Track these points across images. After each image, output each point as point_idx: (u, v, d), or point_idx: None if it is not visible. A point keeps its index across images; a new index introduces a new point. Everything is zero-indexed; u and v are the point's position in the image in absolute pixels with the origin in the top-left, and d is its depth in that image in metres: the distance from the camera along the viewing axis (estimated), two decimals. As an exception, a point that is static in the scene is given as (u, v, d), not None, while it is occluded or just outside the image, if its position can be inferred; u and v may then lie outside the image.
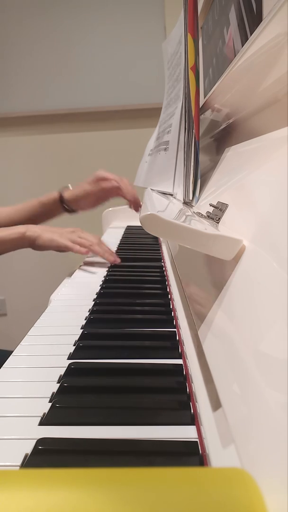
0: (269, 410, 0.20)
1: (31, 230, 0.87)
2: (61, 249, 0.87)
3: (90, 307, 0.60)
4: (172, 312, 0.56)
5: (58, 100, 2.14)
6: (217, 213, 0.42)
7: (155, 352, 0.45)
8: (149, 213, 0.34)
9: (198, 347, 0.41)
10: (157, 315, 0.57)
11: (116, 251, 0.99)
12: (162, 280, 0.73)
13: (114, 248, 1.01)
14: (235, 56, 0.46)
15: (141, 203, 0.89)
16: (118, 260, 0.86)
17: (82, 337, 0.49)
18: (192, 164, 0.60)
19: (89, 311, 0.58)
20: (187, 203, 0.62)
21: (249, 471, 0.18)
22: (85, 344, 0.47)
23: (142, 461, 0.28)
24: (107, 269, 0.84)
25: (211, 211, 0.44)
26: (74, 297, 0.67)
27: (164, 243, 1.07)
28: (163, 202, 0.64)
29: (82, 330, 0.51)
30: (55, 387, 0.37)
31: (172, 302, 0.61)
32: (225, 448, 0.26)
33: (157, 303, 0.61)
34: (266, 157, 0.39)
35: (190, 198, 0.61)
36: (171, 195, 0.77)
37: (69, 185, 1.13)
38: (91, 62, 2.12)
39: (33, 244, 0.87)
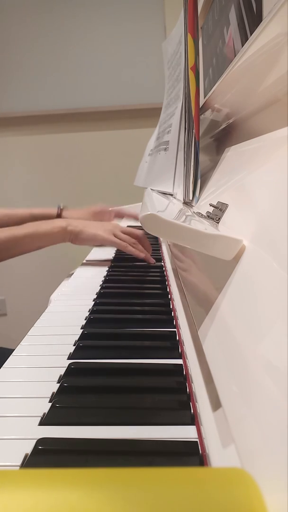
0: (269, 410, 0.20)
1: (72, 224, 0.87)
2: (105, 244, 0.87)
3: (90, 307, 0.60)
4: (172, 312, 0.56)
5: (57, 100, 2.14)
6: (217, 213, 0.42)
7: (155, 352, 0.45)
8: (149, 213, 0.34)
9: (198, 347, 0.41)
10: (157, 315, 0.57)
11: (116, 251, 0.99)
12: (162, 280, 0.73)
13: (113, 249, 1.01)
14: (235, 56, 0.46)
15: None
16: (152, 261, 0.87)
17: (82, 337, 0.49)
18: (192, 164, 0.60)
19: (89, 311, 0.58)
20: (187, 203, 0.62)
21: (249, 471, 0.18)
22: (85, 344, 0.47)
23: (142, 461, 0.28)
24: (107, 269, 0.84)
25: (211, 211, 0.44)
26: (74, 297, 0.67)
27: (164, 243, 1.07)
28: (163, 202, 0.64)
29: (82, 330, 0.51)
30: (55, 387, 0.37)
31: (172, 302, 0.61)
32: (225, 448, 0.26)
33: (157, 303, 0.61)
34: (266, 157, 0.39)
35: (190, 198, 0.61)
36: (171, 195, 0.77)
37: (67, 205, 1.12)
38: (91, 62, 2.12)
39: (75, 238, 0.87)
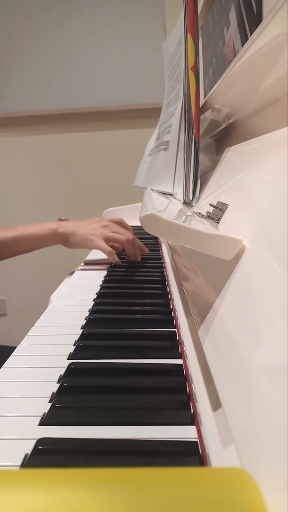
0: (269, 410, 0.20)
1: (63, 226, 0.86)
2: (95, 249, 0.87)
3: (90, 307, 0.60)
4: (172, 312, 0.56)
5: (58, 100, 2.14)
6: (217, 213, 0.42)
7: (155, 352, 0.45)
8: (149, 213, 0.34)
9: (198, 347, 0.41)
10: (157, 315, 0.57)
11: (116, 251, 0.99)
12: (162, 280, 0.73)
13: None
14: (235, 56, 0.46)
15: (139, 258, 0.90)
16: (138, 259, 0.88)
17: (82, 337, 0.49)
18: (192, 164, 0.60)
19: (89, 311, 0.58)
20: (187, 203, 0.62)
21: (249, 471, 0.18)
22: (85, 344, 0.47)
23: (142, 461, 0.28)
24: (107, 269, 0.84)
25: (211, 211, 0.44)
26: (74, 297, 0.67)
27: (164, 243, 1.07)
28: (163, 202, 0.64)
29: (82, 330, 0.51)
30: (55, 387, 0.37)
31: (172, 302, 0.61)
32: (225, 448, 0.26)
33: (157, 303, 0.61)
34: (266, 157, 0.39)
35: (190, 198, 0.61)
36: (171, 195, 0.77)
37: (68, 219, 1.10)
38: (91, 62, 2.12)
39: (66, 241, 0.86)
